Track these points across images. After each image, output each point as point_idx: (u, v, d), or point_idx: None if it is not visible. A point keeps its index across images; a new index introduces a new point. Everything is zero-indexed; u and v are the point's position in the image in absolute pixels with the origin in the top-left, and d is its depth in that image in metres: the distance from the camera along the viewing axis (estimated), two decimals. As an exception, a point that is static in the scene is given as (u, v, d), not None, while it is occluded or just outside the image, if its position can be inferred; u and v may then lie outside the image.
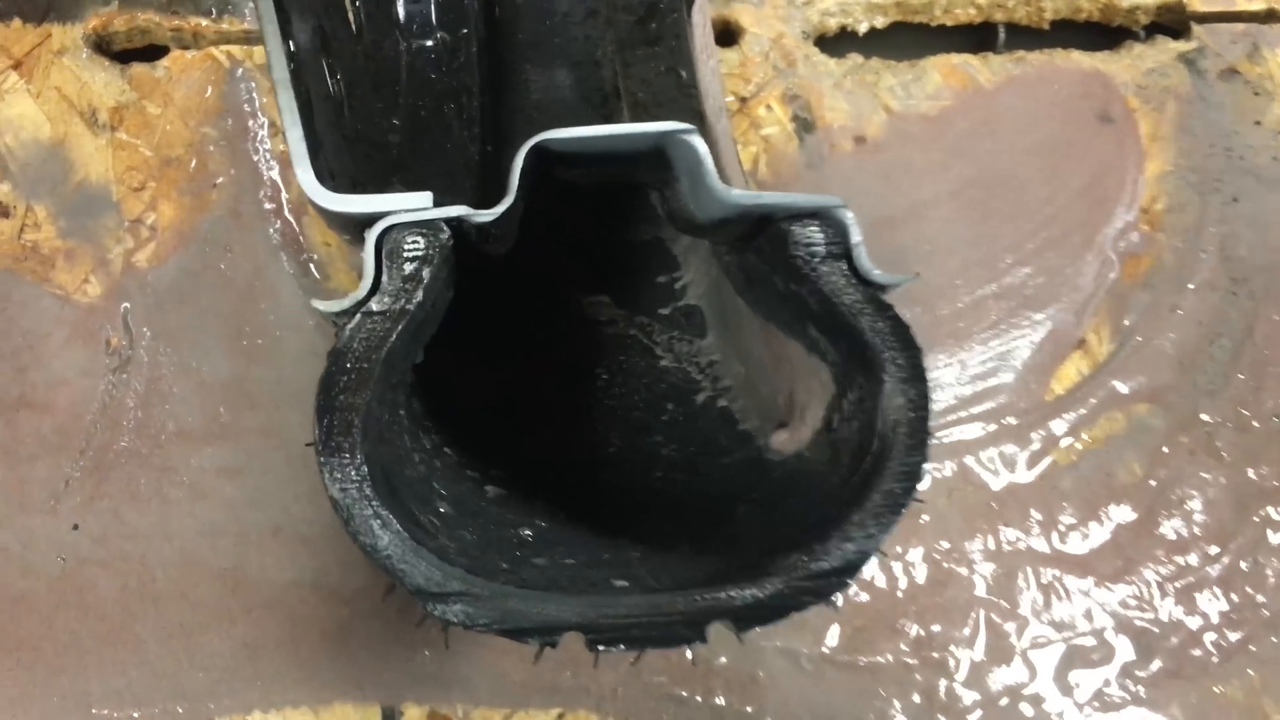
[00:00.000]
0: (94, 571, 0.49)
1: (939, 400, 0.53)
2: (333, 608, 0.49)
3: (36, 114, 0.55)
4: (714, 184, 0.34)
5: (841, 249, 0.33)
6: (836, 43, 0.65)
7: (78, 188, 0.54)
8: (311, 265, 0.54)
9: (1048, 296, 0.56)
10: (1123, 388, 0.55)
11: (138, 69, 0.56)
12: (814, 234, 0.33)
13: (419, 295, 0.32)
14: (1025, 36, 0.67)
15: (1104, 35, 0.67)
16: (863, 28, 0.65)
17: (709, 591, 0.30)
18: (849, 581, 0.30)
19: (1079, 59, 0.64)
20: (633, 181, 0.41)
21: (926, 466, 0.52)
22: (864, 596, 0.52)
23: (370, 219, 0.34)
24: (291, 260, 0.54)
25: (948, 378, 0.54)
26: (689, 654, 0.50)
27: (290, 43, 0.37)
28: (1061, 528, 0.53)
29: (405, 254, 0.33)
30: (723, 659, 0.51)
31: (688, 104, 0.50)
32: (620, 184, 0.40)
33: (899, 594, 0.52)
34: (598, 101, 0.49)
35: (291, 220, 0.55)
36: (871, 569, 0.52)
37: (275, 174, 0.56)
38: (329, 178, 0.37)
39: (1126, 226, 0.59)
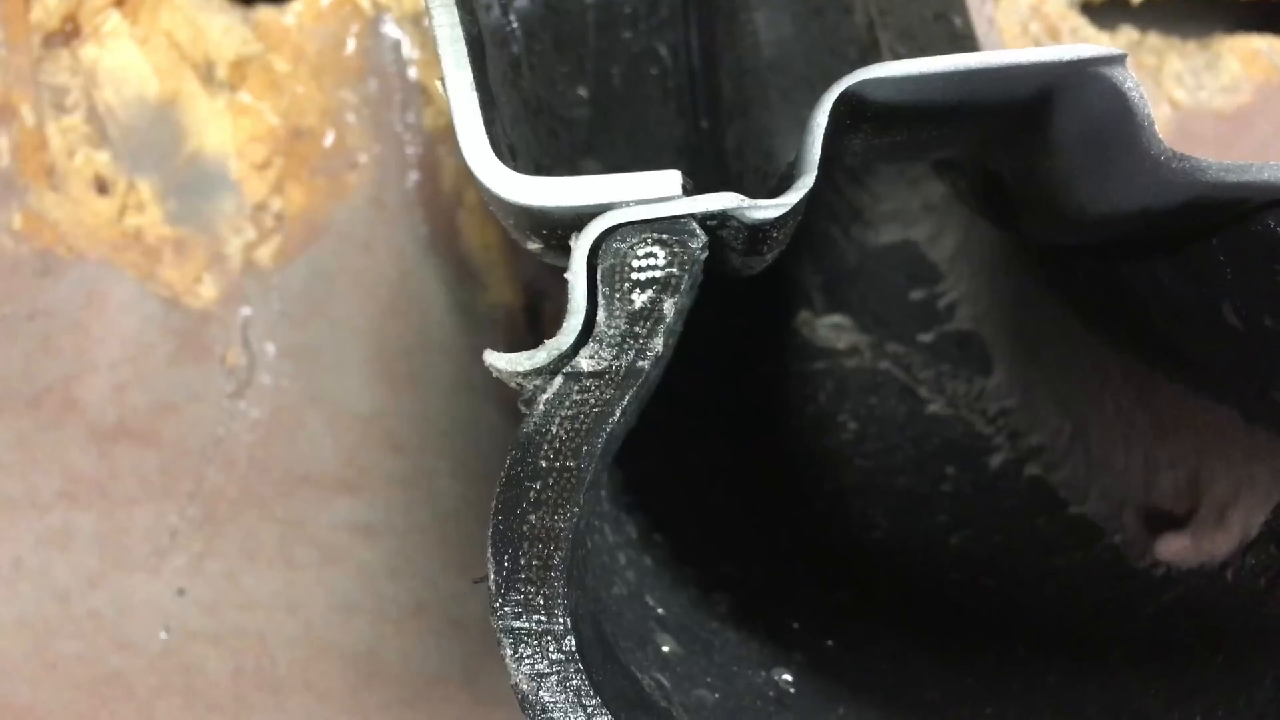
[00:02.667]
0: (203, 649, 0.40)
1: None
2: (486, 711, 0.40)
3: (142, 66, 0.45)
4: (1154, 144, 0.22)
5: None
6: (1106, 13, 0.53)
7: (190, 161, 0.44)
8: (467, 272, 0.44)
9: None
10: None
11: (264, 14, 0.46)
12: None
13: (656, 344, 0.21)
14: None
15: None
16: (1139, -6, 0.53)
17: None
18: None
19: None
20: (955, 156, 0.29)
21: None
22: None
23: (577, 216, 0.22)
24: (444, 265, 0.44)
25: None
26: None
27: None
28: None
29: (635, 275, 0.21)
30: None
31: (964, 61, 0.39)
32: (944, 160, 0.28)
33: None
34: (854, 57, 0.38)
35: (445, 215, 0.45)
36: None
37: (426, 154, 0.45)
38: (509, 156, 0.24)
39: None
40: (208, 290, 0.43)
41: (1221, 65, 0.51)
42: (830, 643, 0.28)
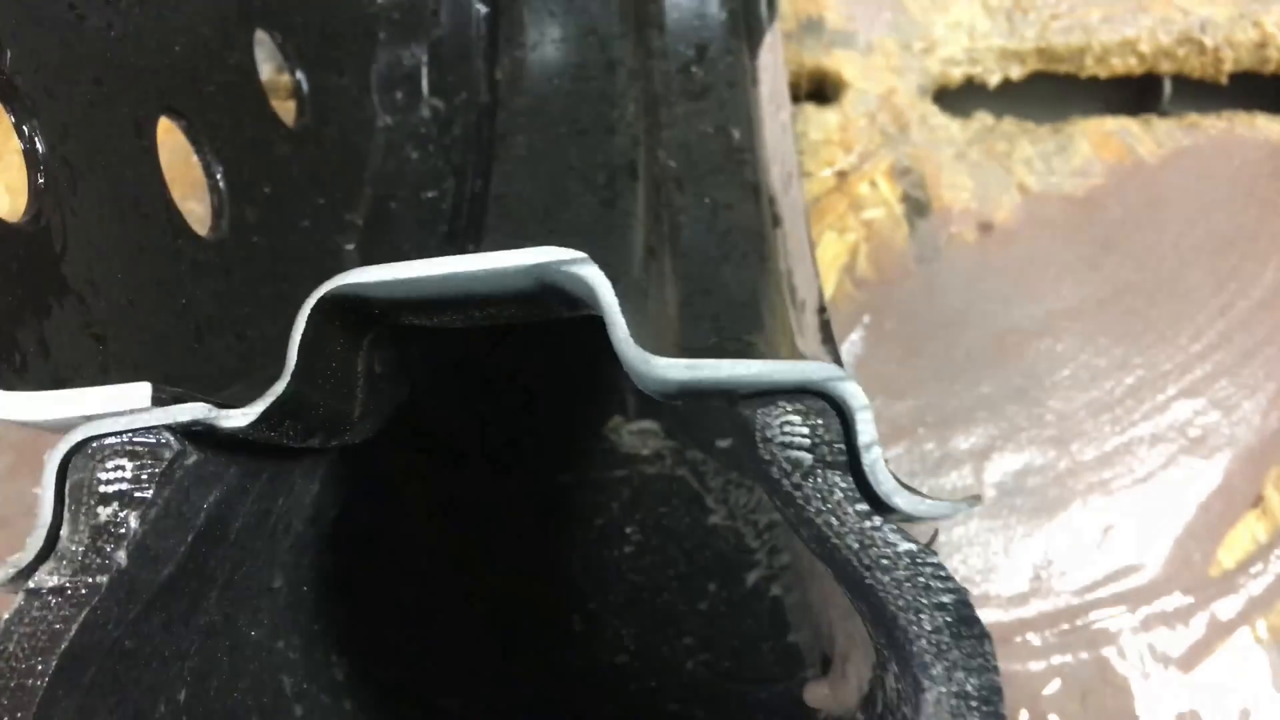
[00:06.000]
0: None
1: (1071, 576, 0.42)
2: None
3: None
4: (623, 344, 0.21)
5: (841, 454, 0.20)
6: (961, 98, 0.54)
7: None
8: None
9: (1218, 439, 0.44)
10: (1317, 565, 0.43)
11: None
12: (794, 427, 0.20)
13: (120, 558, 0.20)
14: (1198, 94, 0.55)
15: (1300, 96, 0.54)
16: (994, 79, 0.54)
17: None
18: None
19: (1266, 126, 0.52)
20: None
21: (1057, 660, 0.40)
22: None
23: (68, 429, 0.21)
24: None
25: (1085, 542, 0.42)
26: None
27: None
28: (1230, 752, 0.40)
29: (102, 488, 0.20)
30: None
31: (738, 174, 0.40)
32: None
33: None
34: (601, 182, 0.38)
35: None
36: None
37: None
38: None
39: (1327, 349, 0.46)
40: None
41: (1073, 148, 0.51)
42: None
